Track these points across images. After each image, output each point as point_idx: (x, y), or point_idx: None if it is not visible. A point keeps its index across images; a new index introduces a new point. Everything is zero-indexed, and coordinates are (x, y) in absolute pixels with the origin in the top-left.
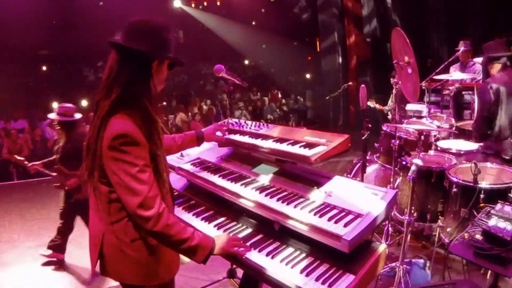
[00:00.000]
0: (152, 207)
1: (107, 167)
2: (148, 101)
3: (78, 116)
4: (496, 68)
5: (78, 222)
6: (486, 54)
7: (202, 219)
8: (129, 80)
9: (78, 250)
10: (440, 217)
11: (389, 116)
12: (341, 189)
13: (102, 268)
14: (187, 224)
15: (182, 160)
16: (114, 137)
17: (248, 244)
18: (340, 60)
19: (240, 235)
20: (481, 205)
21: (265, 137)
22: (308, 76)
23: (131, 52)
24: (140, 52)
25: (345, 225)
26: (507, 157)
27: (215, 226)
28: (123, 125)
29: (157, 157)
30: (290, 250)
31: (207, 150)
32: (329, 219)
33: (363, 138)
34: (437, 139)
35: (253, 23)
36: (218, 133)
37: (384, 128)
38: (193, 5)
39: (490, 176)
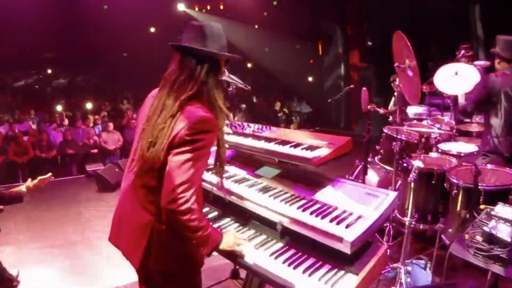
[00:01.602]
0: (189, 190)
1: (177, 150)
2: (217, 95)
3: None
4: (502, 65)
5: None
6: (498, 48)
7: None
8: (204, 79)
9: (87, 252)
10: (441, 218)
11: (390, 119)
12: (343, 191)
13: (145, 258)
14: None
15: None
16: (197, 120)
17: (251, 245)
18: (342, 63)
19: (244, 236)
20: (482, 206)
21: (267, 139)
22: (310, 79)
23: (208, 56)
24: (214, 54)
25: (347, 227)
26: (506, 155)
27: (218, 227)
28: (204, 112)
29: (220, 141)
30: (292, 251)
31: (211, 152)
32: (331, 221)
33: (364, 140)
34: (438, 141)
35: (256, 26)
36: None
37: (385, 130)
38: (196, 8)
39: (490, 177)
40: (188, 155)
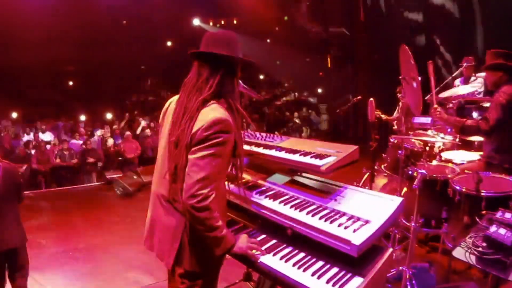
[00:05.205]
0: (207, 187)
1: (195, 148)
2: (233, 97)
3: None
4: (503, 78)
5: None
6: (504, 60)
7: None
8: (221, 81)
9: (106, 256)
10: (444, 223)
11: (395, 127)
12: (351, 197)
13: (179, 259)
14: None
15: None
16: (213, 121)
17: (262, 248)
18: (350, 75)
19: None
20: (483, 212)
21: (278, 148)
22: (319, 90)
23: (222, 59)
24: (231, 59)
25: (354, 231)
26: (506, 166)
27: (232, 231)
28: (220, 112)
29: (239, 145)
30: (302, 254)
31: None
32: (339, 225)
33: (371, 149)
34: (441, 150)
35: (268, 40)
36: None
37: (391, 139)
38: (211, 23)
39: (491, 184)
40: (205, 152)
